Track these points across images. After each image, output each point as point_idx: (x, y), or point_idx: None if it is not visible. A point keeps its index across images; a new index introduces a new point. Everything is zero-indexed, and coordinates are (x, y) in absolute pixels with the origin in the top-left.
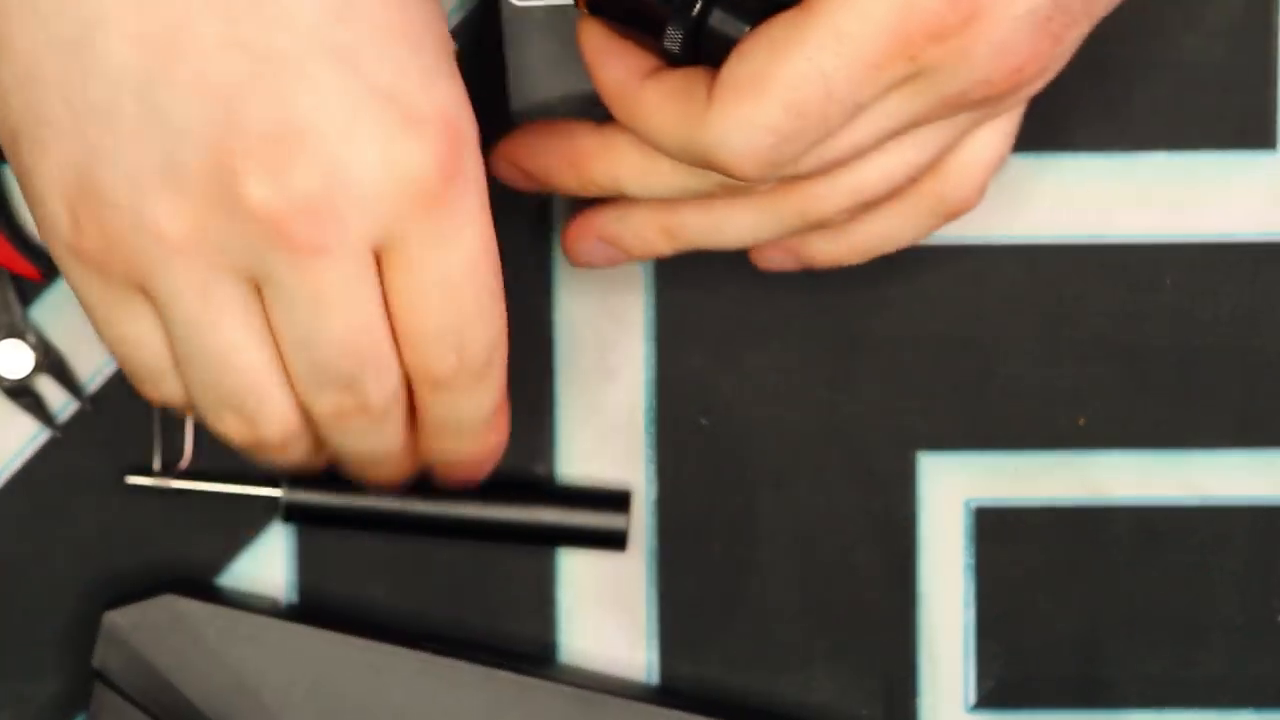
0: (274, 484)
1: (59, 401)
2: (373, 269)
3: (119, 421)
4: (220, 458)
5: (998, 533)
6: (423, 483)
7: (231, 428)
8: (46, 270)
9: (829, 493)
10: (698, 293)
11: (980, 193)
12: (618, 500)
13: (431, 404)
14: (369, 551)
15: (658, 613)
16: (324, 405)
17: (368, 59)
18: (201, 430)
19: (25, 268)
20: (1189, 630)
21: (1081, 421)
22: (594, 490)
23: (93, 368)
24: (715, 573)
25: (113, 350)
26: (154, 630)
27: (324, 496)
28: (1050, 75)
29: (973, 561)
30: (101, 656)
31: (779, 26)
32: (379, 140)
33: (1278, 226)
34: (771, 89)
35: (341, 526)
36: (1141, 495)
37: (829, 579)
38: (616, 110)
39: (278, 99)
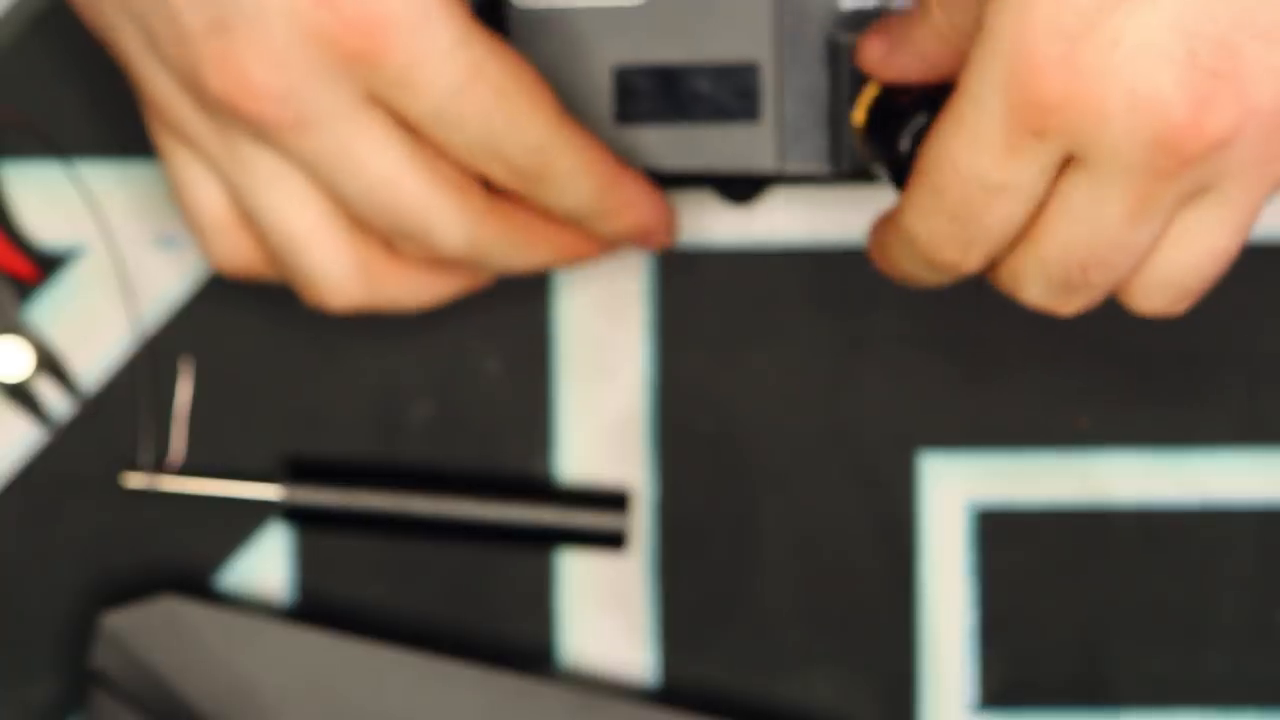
0: (274, 484)
1: (56, 402)
2: (373, 123)
3: (116, 422)
4: (218, 457)
5: (999, 533)
6: (422, 483)
7: (300, 290)
8: (44, 271)
9: (829, 493)
10: (698, 293)
11: (1171, 305)
12: (617, 500)
13: (532, 202)
14: (369, 551)
15: (658, 613)
16: (408, 252)
17: None
18: (194, 429)
19: (24, 268)
20: (1191, 630)
21: (1083, 422)
22: (593, 490)
23: (90, 369)
24: (715, 573)
25: (176, 200)
26: (152, 631)
27: (324, 496)
28: (1266, 127)
29: (974, 562)
30: (99, 657)
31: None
32: (294, 16)
33: (1278, 226)
34: (921, 175)
35: (341, 526)
36: (1143, 496)
37: (829, 579)
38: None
39: None
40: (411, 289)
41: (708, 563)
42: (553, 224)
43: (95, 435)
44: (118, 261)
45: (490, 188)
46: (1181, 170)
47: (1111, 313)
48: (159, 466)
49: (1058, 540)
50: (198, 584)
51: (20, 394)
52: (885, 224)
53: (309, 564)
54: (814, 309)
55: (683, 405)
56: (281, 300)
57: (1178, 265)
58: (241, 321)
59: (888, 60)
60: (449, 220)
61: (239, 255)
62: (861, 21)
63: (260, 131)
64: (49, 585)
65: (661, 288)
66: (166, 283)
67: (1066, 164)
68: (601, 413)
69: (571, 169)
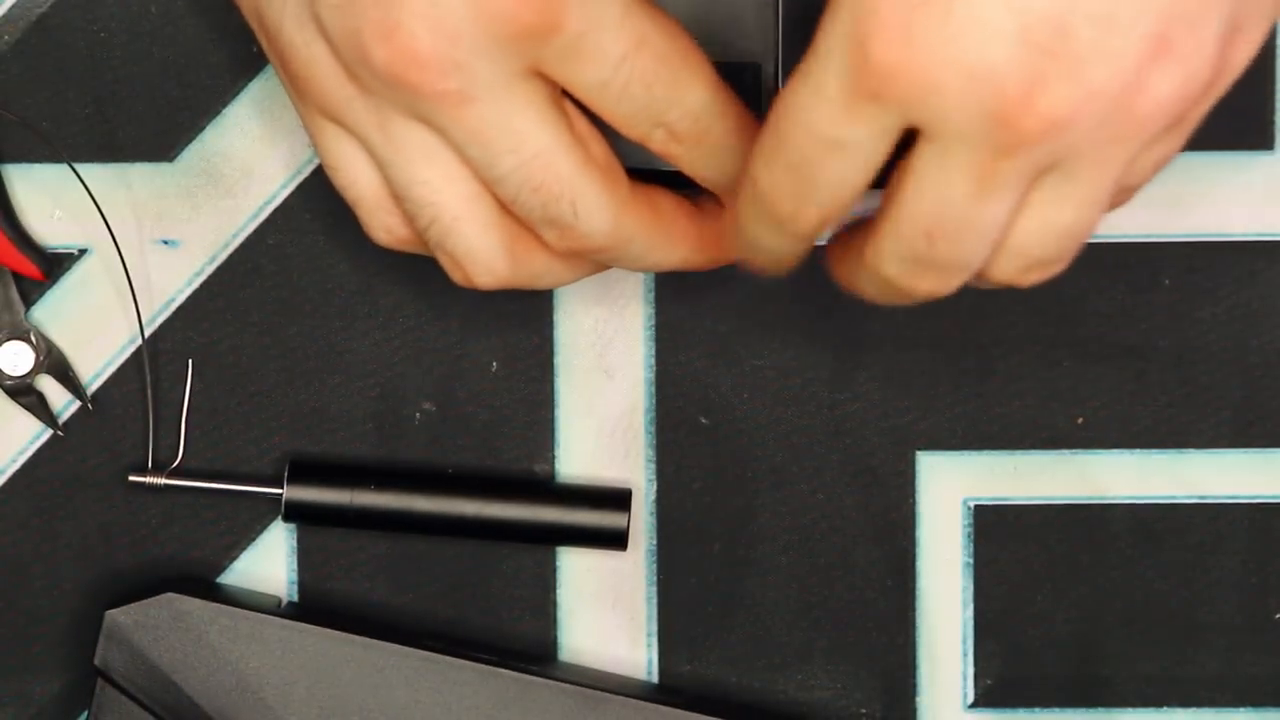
0: (275, 483)
1: (61, 401)
2: (533, 98)
3: (120, 421)
4: (220, 457)
5: (996, 531)
6: (423, 482)
7: (447, 268)
8: (48, 270)
9: (829, 492)
10: (698, 293)
11: (1023, 274)
12: (618, 499)
13: (685, 168)
14: (369, 551)
15: (657, 611)
16: (549, 240)
17: None
18: (195, 428)
19: (28, 267)
20: (1187, 629)
21: (1080, 420)
22: (594, 489)
23: (94, 367)
24: (715, 571)
25: (330, 178)
26: (155, 629)
27: (324, 496)
28: (1103, 108)
29: (971, 560)
30: (103, 655)
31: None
32: None
33: (1276, 226)
34: (769, 123)
35: (341, 526)
36: (1140, 494)
37: (828, 578)
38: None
39: None
40: (555, 268)
41: (707, 561)
42: (693, 219)
43: (99, 434)
44: (120, 262)
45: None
46: (1020, 148)
47: (1110, 312)
48: (162, 465)
49: (1054, 538)
50: (200, 581)
51: (25, 392)
52: (738, 194)
53: (310, 562)
54: (813, 309)
55: (682, 405)
56: (282, 300)
57: (1027, 238)
58: (242, 321)
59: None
60: (596, 204)
61: (398, 228)
62: None
63: (418, 103)
64: (54, 583)
65: (661, 288)
66: (168, 283)
67: (918, 131)
68: (601, 412)
69: (726, 133)
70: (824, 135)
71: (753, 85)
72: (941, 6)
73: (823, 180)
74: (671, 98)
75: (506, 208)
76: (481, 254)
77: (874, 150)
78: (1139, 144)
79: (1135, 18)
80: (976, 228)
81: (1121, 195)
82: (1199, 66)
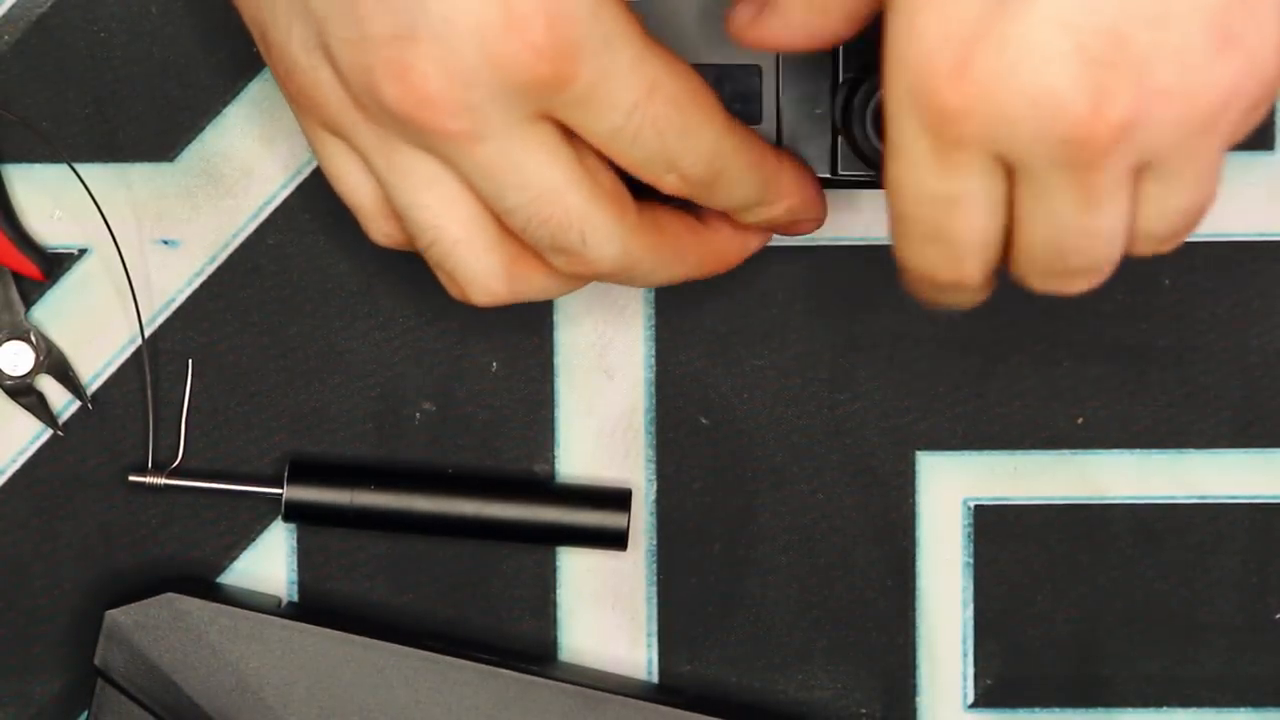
0: (275, 483)
1: (61, 401)
2: (543, 139)
3: (120, 421)
4: (220, 457)
5: (996, 531)
6: (423, 482)
7: (446, 285)
8: (48, 270)
9: (829, 492)
10: (698, 293)
11: (1166, 245)
12: (618, 499)
13: (698, 202)
14: (369, 551)
15: (657, 611)
16: (558, 265)
17: None
18: (195, 428)
19: (28, 267)
20: (1187, 629)
21: (1080, 421)
22: (594, 489)
23: (94, 367)
24: (714, 571)
25: (329, 184)
26: (155, 629)
27: (324, 496)
28: (1179, 108)
29: (971, 560)
30: (103, 655)
31: None
32: (484, 40)
33: (1276, 226)
34: (890, 205)
35: (341, 526)
36: (1140, 494)
37: (828, 578)
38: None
39: (394, 5)
40: (552, 285)
41: (707, 561)
42: (699, 236)
43: (99, 434)
44: (120, 262)
45: (640, 201)
46: (1103, 159)
47: (1108, 313)
48: (162, 465)
49: (1054, 538)
50: (201, 581)
51: (25, 392)
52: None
53: (310, 562)
54: (813, 309)
55: (682, 405)
56: (282, 300)
57: (1151, 225)
58: (242, 321)
59: (754, 26)
60: (606, 233)
61: (395, 235)
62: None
63: (427, 139)
64: (54, 582)
65: (661, 288)
66: (168, 283)
67: (1011, 165)
68: (601, 412)
69: (742, 170)
70: (937, 197)
71: (753, 87)
72: (996, 39)
73: (962, 237)
74: (684, 144)
75: (511, 232)
76: (479, 276)
77: (991, 189)
78: (1222, 132)
79: (1189, 13)
80: (1099, 235)
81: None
82: (1262, 50)
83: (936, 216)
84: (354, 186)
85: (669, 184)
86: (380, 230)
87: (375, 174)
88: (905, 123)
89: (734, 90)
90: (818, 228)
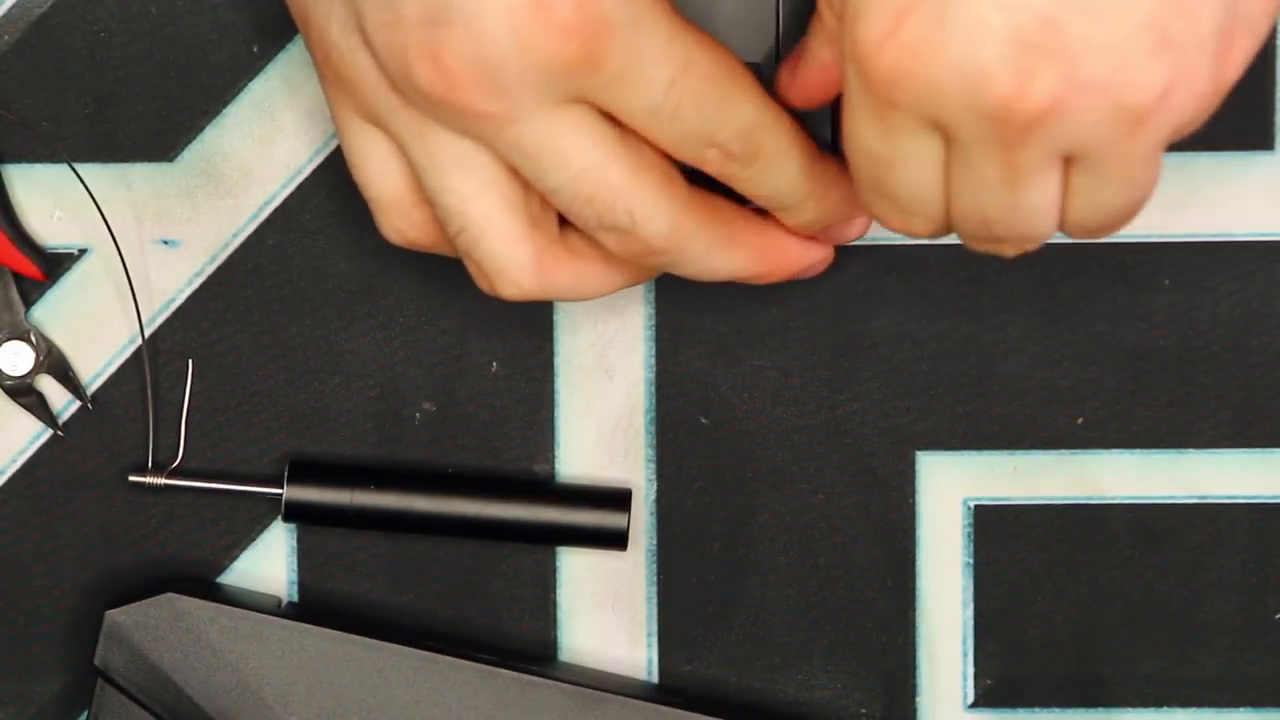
0: (275, 483)
1: (61, 401)
2: (579, 119)
3: (120, 421)
4: (220, 457)
5: (996, 531)
6: (423, 482)
7: (474, 276)
8: (48, 270)
9: (828, 492)
10: (698, 293)
11: (1092, 234)
12: (618, 499)
13: (742, 188)
14: (369, 551)
15: (657, 611)
16: (610, 245)
17: None
18: (195, 428)
19: (28, 268)
20: (1186, 629)
21: (1080, 421)
22: (594, 489)
23: (94, 367)
24: (714, 572)
25: (350, 172)
26: (156, 629)
27: (324, 496)
28: (1105, 102)
29: (971, 560)
30: (103, 655)
31: None
32: (514, 24)
33: (1276, 226)
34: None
35: (341, 526)
36: (1139, 494)
37: (828, 578)
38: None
39: None
40: (581, 282)
41: (707, 561)
42: (755, 225)
43: (99, 434)
44: (120, 262)
45: (692, 185)
46: (1024, 139)
47: (1110, 312)
48: (162, 465)
49: (1054, 538)
50: (201, 582)
51: (25, 392)
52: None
53: (310, 562)
54: (813, 309)
55: (682, 405)
56: (282, 300)
57: (1080, 215)
58: (242, 321)
59: (794, 81)
60: (654, 207)
61: (410, 231)
62: None
63: (461, 121)
64: (54, 582)
65: (660, 286)
66: (168, 283)
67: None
68: (601, 412)
69: (779, 148)
70: (877, 154)
71: None
72: (934, 9)
73: (902, 193)
74: (723, 116)
75: (542, 225)
76: (508, 267)
77: (926, 152)
78: (1151, 136)
79: (1127, 10)
80: (1024, 210)
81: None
82: (1197, 59)
83: (878, 172)
84: (377, 176)
85: (710, 160)
86: (392, 225)
87: (410, 158)
88: (851, 79)
89: None
90: (863, 233)
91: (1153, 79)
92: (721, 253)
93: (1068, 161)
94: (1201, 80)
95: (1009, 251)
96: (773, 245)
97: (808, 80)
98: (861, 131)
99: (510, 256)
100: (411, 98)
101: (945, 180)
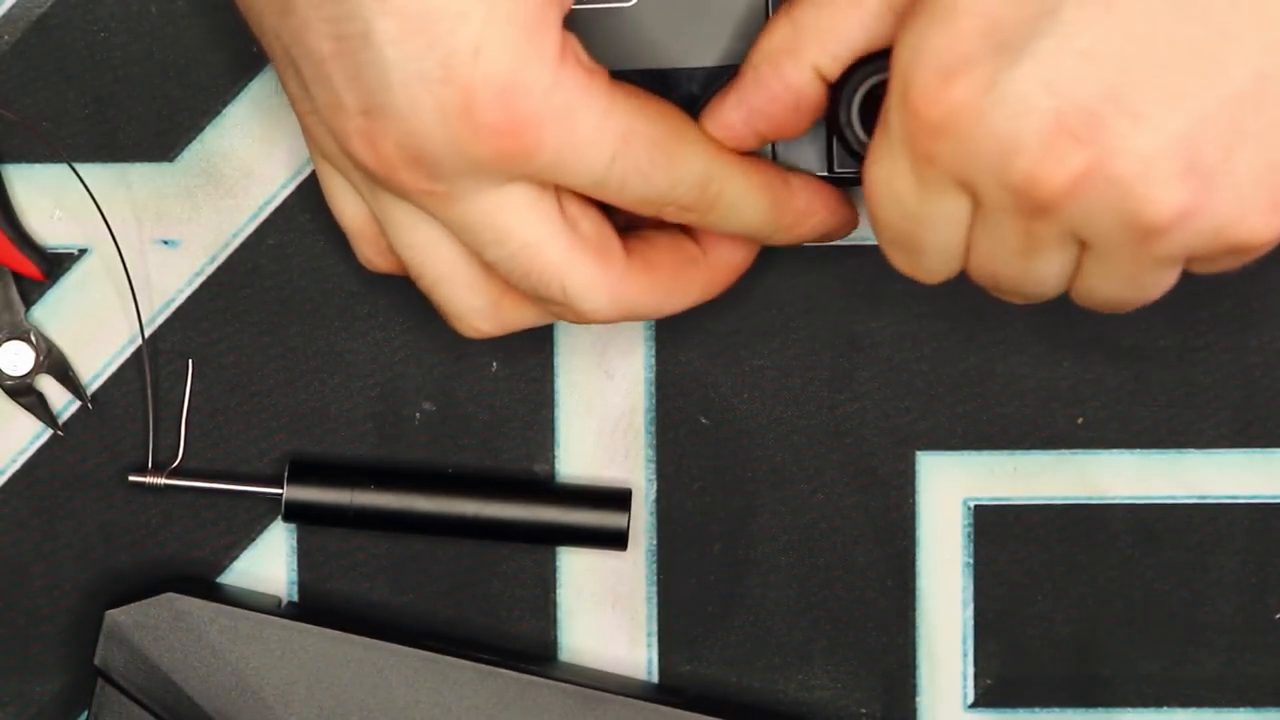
0: (275, 483)
1: (61, 401)
2: (521, 198)
3: (120, 421)
4: (220, 457)
5: (996, 531)
6: (423, 482)
7: (438, 311)
8: (48, 270)
9: (829, 492)
10: None
11: (1100, 309)
12: (618, 499)
13: (710, 230)
14: (369, 551)
15: (657, 611)
16: (546, 309)
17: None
18: (195, 428)
19: (28, 267)
20: (1186, 629)
21: (1080, 421)
22: (594, 489)
23: (94, 367)
24: (714, 571)
25: (327, 203)
26: (155, 629)
27: (324, 496)
28: (1123, 204)
29: (971, 560)
30: (103, 655)
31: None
32: (445, 122)
33: None
34: (868, 205)
35: (341, 526)
36: (1139, 494)
37: (828, 578)
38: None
39: (359, 77)
40: (542, 316)
41: (707, 561)
42: (697, 264)
43: (99, 434)
44: (120, 262)
45: (627, 240)
46: (1044, 213)
47: (1108, 313)
48: (162, 465)
49: (1054, 538)
50: (201, 581)
51: (25, 392)
52: None
53: (310, 562)
54: (813, 309)
55: (682, 405)
56: (282, 300)
57: (1088, 292)
58: (242, 321)
59: (747, 116)
60: (588, 286)
61: (380, 261)
62: None
63: (403, 195)
64: (54, 582)
65: None
66: (168, 283)
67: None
68: (601, 412)
69: (738, 192)
70: (910, 209)
71: None
72: (987, 74)
73: (930, 247)
74: (672, 177)
75: (496, 274)
76: (466, 314)
77: (955, 211)
78: (1166, 251)
79: (1166, 125)
80: (1034, 277)
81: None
82: (1225, 197)
83: (905, 226)
84: (347, 212)
85: (669, 214)
86: (364, 254)
87: (369, 208)
88: (894, 125)
89: None
90: (851, 231)
91: (1170, 198)
92: (669, 304)
93: (1082, 243)
94: (1226, 218)
95: (1017, 302)
96: (718, 272)
97: (766, 114)
98: (896, 182)
99: (467, 304)
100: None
101: (966, 238)
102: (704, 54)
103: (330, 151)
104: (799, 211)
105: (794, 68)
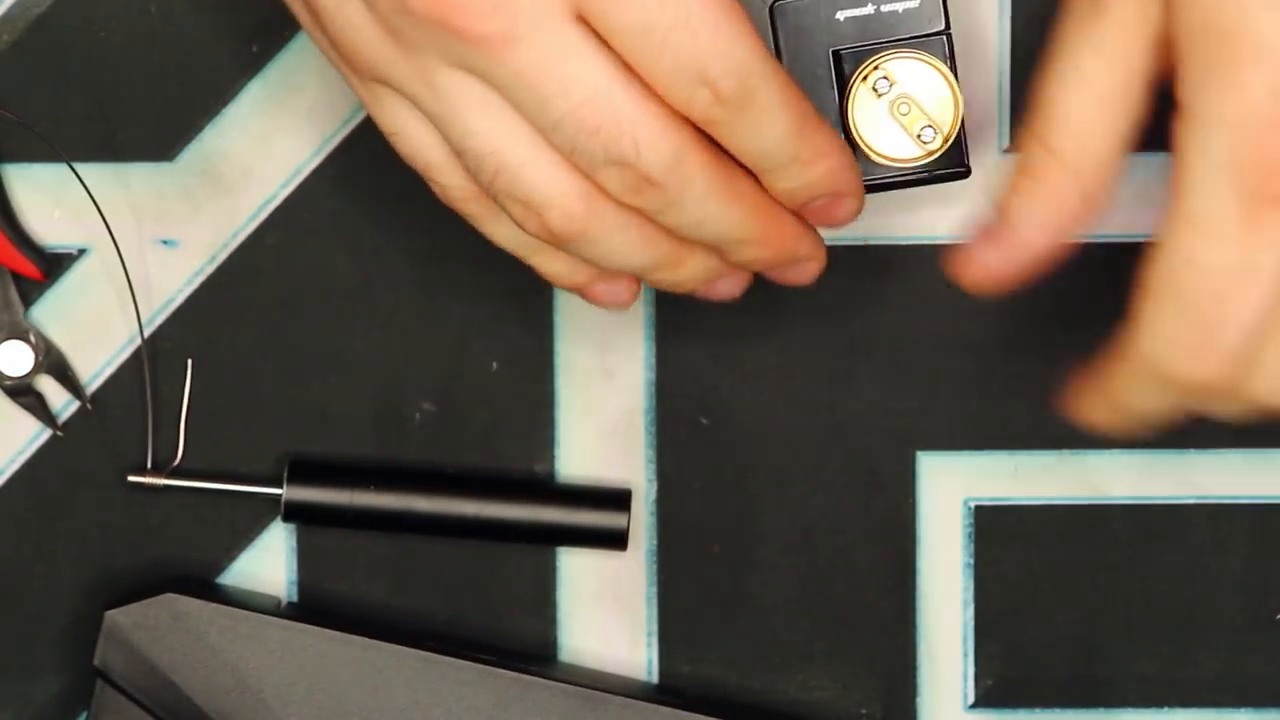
0: (275, 483)
1: (60, 401)
2: (581, 39)
3: (120, 421)
4: (220, 457)
5: (997, 532)
6: (423, 482)
7: (521, 219)
8: (48, 270)
9: (829, 492)
10: None
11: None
12: (618, 499)
13: (728, 142)
14: (369, 551)
15: (657, 612)
16: (609, 185)
17: None
18: (195, 428)
19: (27, 267)
20: (1187, 629)
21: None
22: (594, 489)
23: (94, 367)
24: (715, 572)
25: (394, 147)
26: (155, 629)
27: (324, 496)
28: None
29: (972, 560)
30: (103, 655)
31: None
32: None
33: None
34: (1160, 292)
35: (341, 526)
36: (1140, 495)
37: (829, 578)
38: None
39: None
40: (627, 222)
41: (707, 561)
42: (751, 180)
43: (98, 434)
44: (120, 262)
45: None
46: None
47: (1111, 313)
48: (162, 465)
49: (1054, 539)
50: (201, 582)
51: (24, 393)
52: (1107, 369)
53: (310, 562)
54: (814, 309)
55: (682, 404)
56: (282, 300)
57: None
58: (242, 321)
59: (1000, 256)
60: (659, 135)
61: (467, 188)
62: (860, 30)
63: (462, 50)
64: (53, 583)
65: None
66: (168, 283)
67: None
68: (601, 412)
69: (773, 100)
70: (1231, 267)
71: None
72: None
73: (1239, 319)
74: (717, 48)
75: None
76: (556, 195)
77: (1277, 264)
78: None
79: None
80: None
81: None
82: None
83: (1218, 291)
84: (415, 140)
85: (700, 103)
86: (453, 183)
87: (426, 113)
88: (1216, 186)
89: None
90: (859, 210)
91: None
92: (719, 200)
93: None
94: None
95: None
96: (770, 209)
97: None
98: (1218, 246)
99: (557, 183)
100: (410, 35)
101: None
102: None
103: (371, 56)
104: (817, 148)
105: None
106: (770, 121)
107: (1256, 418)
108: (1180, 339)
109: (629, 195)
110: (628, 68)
